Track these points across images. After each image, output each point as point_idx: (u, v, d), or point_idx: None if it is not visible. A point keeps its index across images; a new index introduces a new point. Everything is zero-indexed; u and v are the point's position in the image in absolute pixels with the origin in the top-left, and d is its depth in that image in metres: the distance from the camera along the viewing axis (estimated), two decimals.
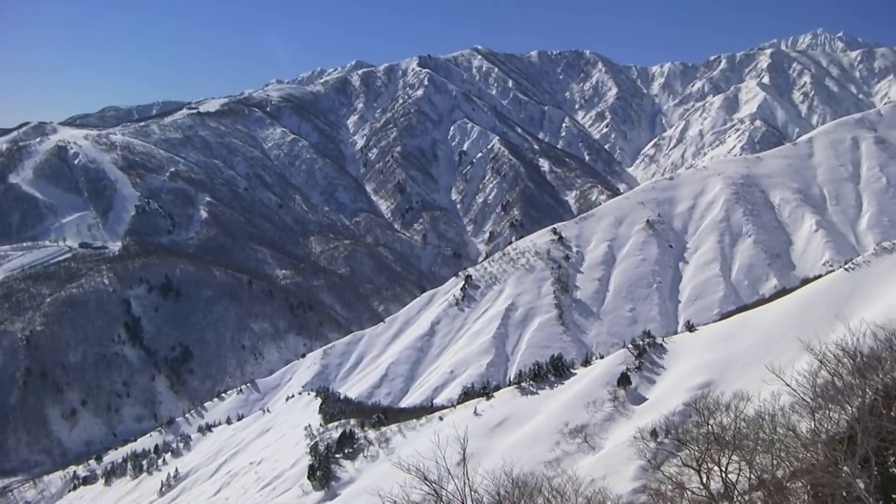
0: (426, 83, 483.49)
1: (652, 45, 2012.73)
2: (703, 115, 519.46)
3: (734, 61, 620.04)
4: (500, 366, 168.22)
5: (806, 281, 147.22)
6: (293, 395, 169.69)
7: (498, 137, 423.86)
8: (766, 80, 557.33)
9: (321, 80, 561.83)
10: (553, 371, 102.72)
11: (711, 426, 32.19)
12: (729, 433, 30.26)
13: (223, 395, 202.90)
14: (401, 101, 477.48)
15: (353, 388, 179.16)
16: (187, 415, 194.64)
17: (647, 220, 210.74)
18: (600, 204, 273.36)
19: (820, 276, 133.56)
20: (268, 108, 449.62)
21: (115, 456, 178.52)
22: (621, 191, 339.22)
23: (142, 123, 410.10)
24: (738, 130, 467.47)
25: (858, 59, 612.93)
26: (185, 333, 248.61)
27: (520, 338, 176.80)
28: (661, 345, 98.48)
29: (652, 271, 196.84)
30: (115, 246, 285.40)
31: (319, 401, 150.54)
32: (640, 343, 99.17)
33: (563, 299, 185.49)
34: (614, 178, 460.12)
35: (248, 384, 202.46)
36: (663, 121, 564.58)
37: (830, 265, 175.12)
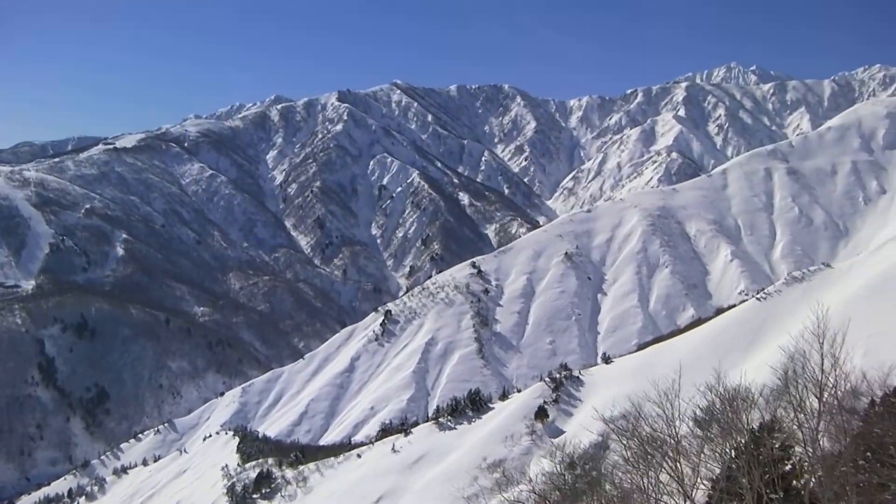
0: (345, 118, 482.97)
1: (570, 80, 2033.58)
2: (621, 147, 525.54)
3: (651, 95, 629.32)
4: (421, 401, 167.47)
5: (720, 310, 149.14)
6: (211, 435, 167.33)
7: (418, 172, 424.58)
8: (682, 112, 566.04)
9: (240, 115, 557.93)
10: (471, 406, 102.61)
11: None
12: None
13: (140, 435, 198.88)
14: (320, 135, 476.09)
15: (272, 425, 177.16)
16: (103, 457, 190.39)
17: (566, 253, 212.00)
18: (520, 237, 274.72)
19: (734, 306, 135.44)
20: (186, 144, 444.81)
21: (27, 501, 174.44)
22: (541, 224, 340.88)
23: (57, 159, 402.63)
24: (655, 163, 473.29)
25: (771, 91, 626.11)
26: (101, 373, 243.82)
27: (440, 372, 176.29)
28: (578, 377, 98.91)
29: (571, 303, 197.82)
30: (29, 284, 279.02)
31: (237, 440, 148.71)
32: (557, 376, 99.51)
33: (483, 333, 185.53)
34: (534, 210, 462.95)
35: (166, 424, 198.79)
36: (582, 154, 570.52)
37: (746, 294, 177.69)
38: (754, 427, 28.89)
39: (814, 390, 27.21)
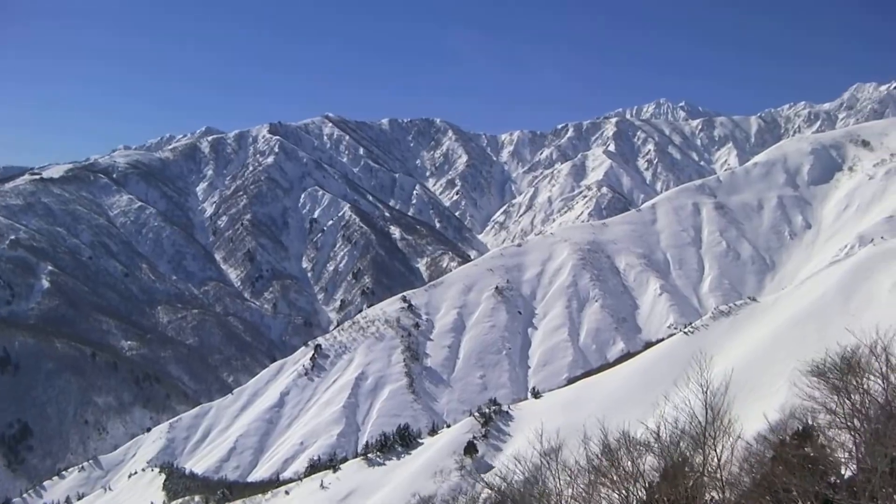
0: (277, 150, 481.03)
1: (502, 114, 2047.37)
2: (552, 182, 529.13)
3: (581, 130, 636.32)
4: (352, 436, 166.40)
5: (649, 344, 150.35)
6: (136, 472, 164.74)
7: (349, 205, 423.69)
8: (612, 147, 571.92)
9: (170, 147, 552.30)
10: (400, 441, 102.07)
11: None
12: None
13: (64, 472, 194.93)
14: (251, 168, 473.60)
15: (200, 462, 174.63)
16: (25, 495, 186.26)
17: (497, 287, 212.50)
18: (451, 271, 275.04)
19: (663, 339, 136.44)
20: (114, 175, 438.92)
21: None
22: (472, 257, 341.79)
23: None
24: (585, 197, 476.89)
25: (699, 127, 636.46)
26: (24, 409, 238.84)
27: (370, 407, 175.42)
28: (508, 412, 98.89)
29: (501, 338, 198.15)
30: None
31: (163, 477, 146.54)
32: (487, 411, 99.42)
33: (414, 367, 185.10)
34: (465, 244, 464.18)
35: (91, 461, 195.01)
36: (513, 188, 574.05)
37: (674, 328, 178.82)
38: (652, 473, 29.08)
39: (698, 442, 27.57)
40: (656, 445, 30.42)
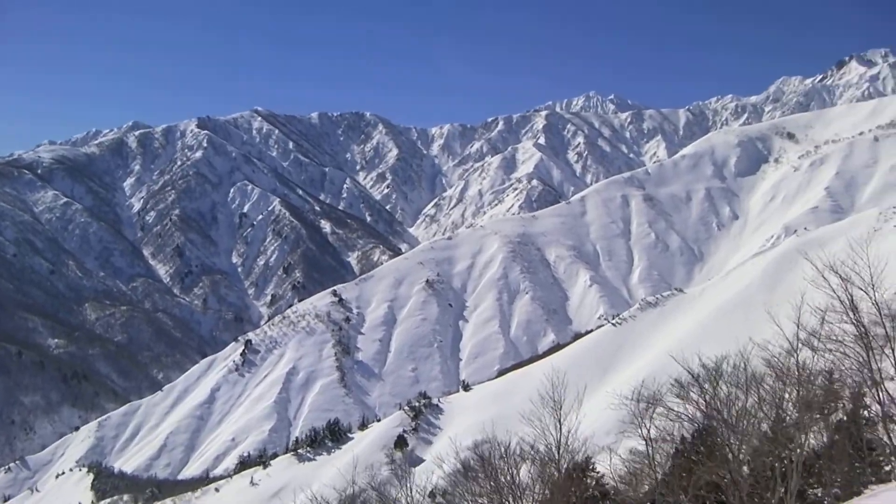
0: (205, 145, 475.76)
1: (432, 107, 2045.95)
2: (482, 175, 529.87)
3: (511, 123, 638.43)
4: (283, 431, 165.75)
5: (579, 336, 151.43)
6: (64, 472, 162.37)
7: (279, 199, 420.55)
8: (542, 140, 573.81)
9: (96, 142, 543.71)
10: (330, 436, 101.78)
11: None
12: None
13: None
14: (179, 162, 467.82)
15: (130, 460, 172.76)
16: None
17: (427, 280, 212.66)
18: (382, 265, 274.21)
19: (593, 331, 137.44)
20: (39, 171, 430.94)
21: None
22: (403, 251, 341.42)
23: None
24: (516, 190, 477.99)
25: (629, 120, 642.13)
26: None
27: (302, 402, 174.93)
28: (438, 405, 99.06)
29: (433, 331, 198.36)
30: None
31: (91, 477, 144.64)
32: (416, 404, 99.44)
33: (345, 361, 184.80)
34: (396, 238, 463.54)
35: (18, 461, 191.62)
36: (444, 181, 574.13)
37: (605, 319, 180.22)
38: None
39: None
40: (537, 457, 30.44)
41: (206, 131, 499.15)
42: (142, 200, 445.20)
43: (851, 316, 24.10)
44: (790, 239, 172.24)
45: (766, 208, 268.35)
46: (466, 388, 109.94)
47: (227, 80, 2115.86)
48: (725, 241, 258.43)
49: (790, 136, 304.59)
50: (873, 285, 23.31)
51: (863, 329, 24.10)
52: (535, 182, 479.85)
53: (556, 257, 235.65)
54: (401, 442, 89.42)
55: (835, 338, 25.36)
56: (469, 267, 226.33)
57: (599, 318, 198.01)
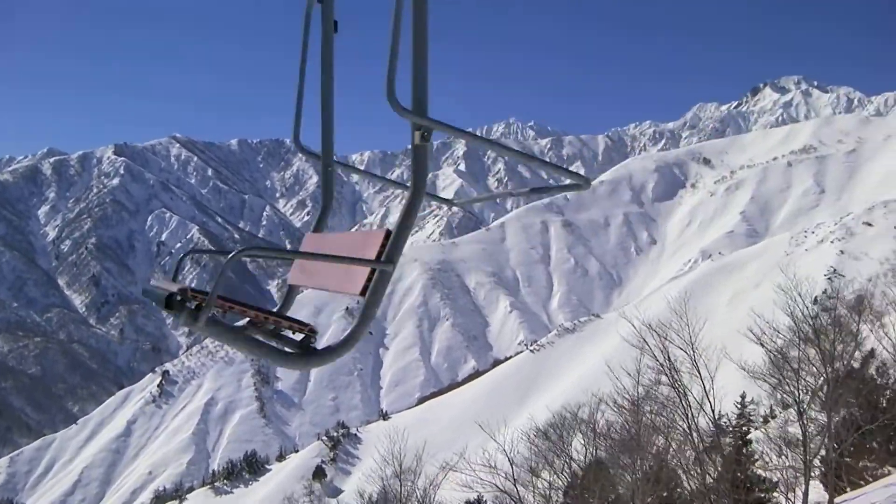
0: (122, 172, 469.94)
1: (352, 134, 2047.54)
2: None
3: (432, 149, 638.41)
4: (202, 463, 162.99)
5: (498, 362, 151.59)
6: None
7: (197, 227, 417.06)
8: (462, 167, 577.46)
9: (9, 169, 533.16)
10: (247, 468, 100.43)
11: None
12: None
13: None
14: (95, 190, 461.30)
15: (44, 497, 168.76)
16: None
17: (347, 308, 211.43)
18: (303, 292, 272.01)
19: (512, 357, 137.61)
20: None
21: None
22: None
23: None
24: (436, 216, 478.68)
25: (548, 146, 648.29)
26: None
27: (221, 433, 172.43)
28: (356, 434, 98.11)
29: (353, 359, 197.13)
30: None
31: None
32: (335, 434, 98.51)
33: (264, 391, 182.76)
34: None
35: None
36: (364, 208, 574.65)
37: (525, 345, 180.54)
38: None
39: None
40: None
41: (123, 158, 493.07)
42: (57, 229, 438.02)
43: (669, 375, 24.45)
44: (705, 263, 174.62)
45: (684, 233, 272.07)
46: (385, 416, 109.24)
47: (144, 107, 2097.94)
48: (644, 266, 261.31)
49: (706, 162, 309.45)
50: (692, 344, 23.52)
51: (681, 387, 24.44)
52: (455, 208, 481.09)
53: (476, 284, 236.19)
54: (319, 472, 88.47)
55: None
56: (389, 294, 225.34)
57: (519, 343, 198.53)
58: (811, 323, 25.50)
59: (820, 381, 27.07)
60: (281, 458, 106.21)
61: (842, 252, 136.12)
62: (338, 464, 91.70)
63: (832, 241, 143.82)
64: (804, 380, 25.37)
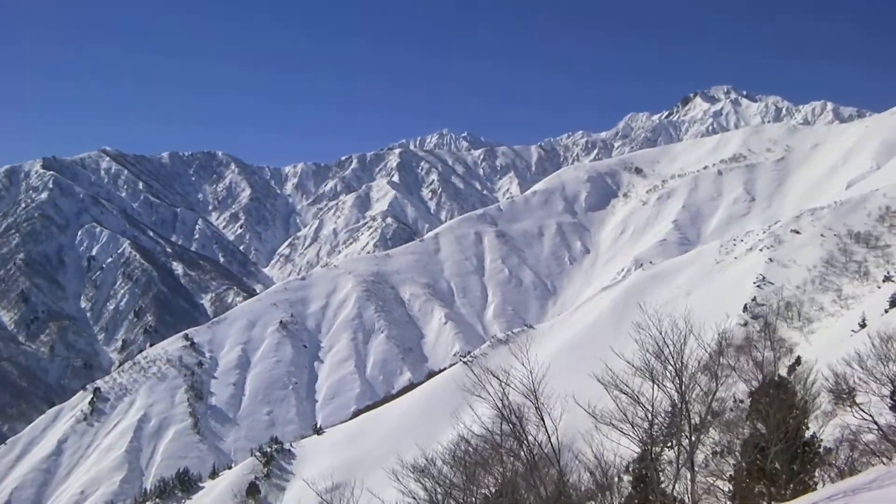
0: (51, 186, 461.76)
1: (285, 146, 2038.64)
2: (337, 213, 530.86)
3: (365, 161, 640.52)
4: (135, 481, 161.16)
5: (432, 374, 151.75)
6: None
7: (129, 241, 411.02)
8: (396, 178, 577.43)
9: None
10: (180, 486, 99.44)
11: None
12: None
13: None
14: (23, 205, 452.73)
15: None
16: None
17: (281, 322, 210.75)
18: (236, 306, 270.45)
19: (445, 370, 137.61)
20: None
21: None
22: (258, 292, 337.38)
23: None
24: (370, 228, 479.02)
25: (482, 157, 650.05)
26: None
27: (154, 450, 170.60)
28: (290, 450, 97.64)
29: (288, 372, 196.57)
30: None
31: None
32: (268, 450, 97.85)
33: (198, 407, 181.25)
34: (250, 279, 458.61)
35: None
36: (298, 220, 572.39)
37: (460, 356, 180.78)
38: None
39: None
40: None
41: (51, 172, 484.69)
42: None
43: (510, 423, 23.90)
44: (637, 272, 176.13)
45: (617, 242, 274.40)
46: (319, 431, 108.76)
47: (73, 120, 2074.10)
48: (577, 275, 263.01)
49: (638, 171, 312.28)
50: (534, 390, 23.01)
51: (521, 432, 23.89)
52: (389, 220, 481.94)
53: (410, 295, 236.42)
54: (253, 489, 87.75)
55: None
56: (323, 307, 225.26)
57: (455, 355, 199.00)
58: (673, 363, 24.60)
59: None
60: (214, 475, 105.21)
61: (770, 260, 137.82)
62: (272, 480, 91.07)
63: (761, 249, 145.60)
64: (659, 417, 24.77)
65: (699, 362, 24.32)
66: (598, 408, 23.63)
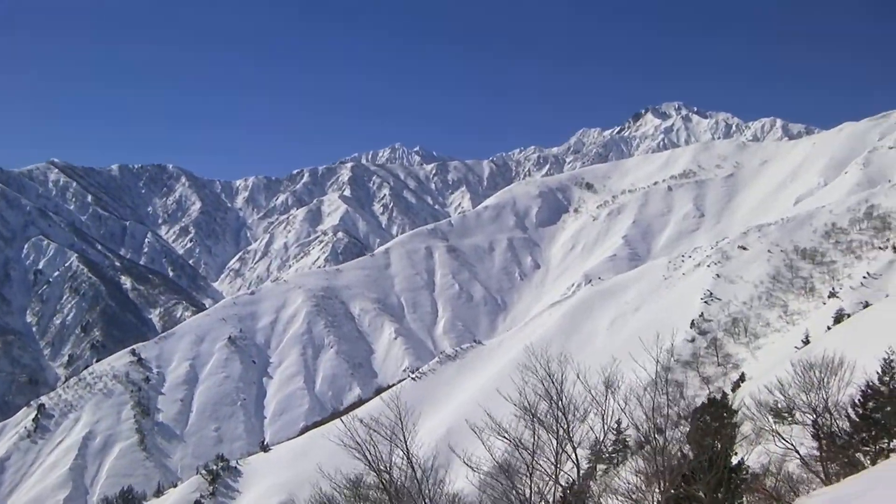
0: None
1: (236, 160, 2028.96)
2: (288, 227, 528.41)
3: (317, 175, 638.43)
4: (79, 499, 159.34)
5: (381, 390, 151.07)
6: None
7: (77, 255, 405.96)
8: (347, 192, 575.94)
9: None
10: None
11: None
12: None
13: None
14: None
15: None
16: None
17: (230, 337, 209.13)
18: (185, 321, 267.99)
19: (393, 385, 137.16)
20: None
21: None
22: (207, 306, 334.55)
23: None
24: (321, 242, 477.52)
25: (434, 171, 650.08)
26: None
27: (99, 467, 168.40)
28: (236, 467, 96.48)
29: (236, 388, 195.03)
30: None
31: None
32: (214, 467, 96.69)
33: (145, 423, 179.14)
34: (200, 293, 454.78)
35: None
36: (248, 234, 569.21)
37: (410, 371, 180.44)
38: None
39: None
40: None
41: None
42: None
43: (377, 473, 22.89)
44: (585, 288, 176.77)
45: (567, 257, 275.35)
46: (266, 448, 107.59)
47: (20, 130, 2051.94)
48: (528, 290, 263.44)
49: (589, 187, 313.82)
50: (407, 446, 22.03)
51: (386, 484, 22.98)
52: (340, 234, 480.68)
53: (360, 310, 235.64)
54: None
55: None
56: (273, 322, 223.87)
57: (404, 370, 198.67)
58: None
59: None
60: (159, 493, 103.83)
61: (718, 276, 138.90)
62: (217, 498, 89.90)
63: (708, 265, 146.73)
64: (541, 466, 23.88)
65: (595, 400, 23.61)
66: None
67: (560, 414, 22.13)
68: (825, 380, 27.24)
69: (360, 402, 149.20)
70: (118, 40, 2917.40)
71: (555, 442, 21.96)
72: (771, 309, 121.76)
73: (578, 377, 22.74)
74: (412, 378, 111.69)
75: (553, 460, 21.94)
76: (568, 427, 22.10)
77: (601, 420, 22.44)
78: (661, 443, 22.99)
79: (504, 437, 22.50)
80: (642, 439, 25.11)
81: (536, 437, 21.99)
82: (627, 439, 51.69)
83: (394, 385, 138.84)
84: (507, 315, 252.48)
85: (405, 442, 22.04)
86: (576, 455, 22.06)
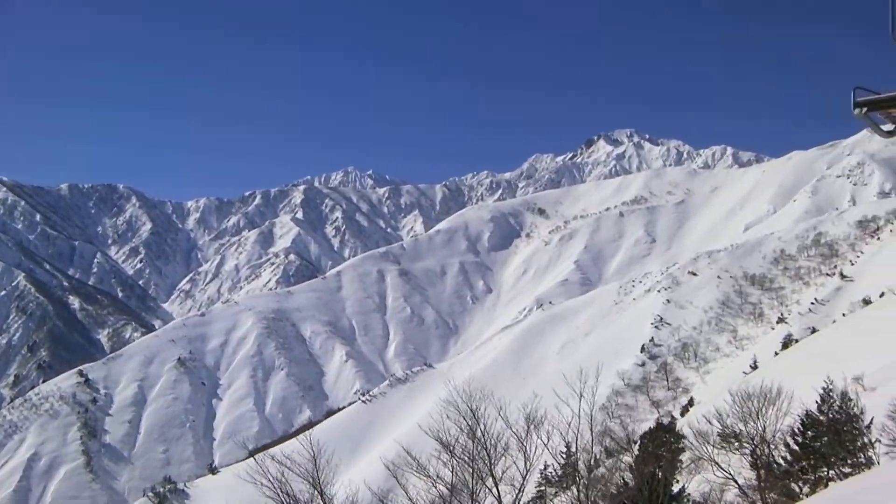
0: None
1: (187, 181, 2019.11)
2: (239, 249, 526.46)
3: (269, 197, 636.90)
4: None
5: (331, 412, 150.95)
6: None
7: (24, 274, 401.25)
8: (299, 215, 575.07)
9: None
10: None
11: None
12: None
13: None
14: None
15: None
16: None
17: (179, 358, 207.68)
18: (133, 342, 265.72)
19: (344, 408, 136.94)
20: None
21: None
22: (156, 327, 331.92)
23: None
24: (273, 264, 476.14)
25: (386, 195, 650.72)
26: None
27: (45, 490, 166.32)
28: (184, 490, 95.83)
29: (185, 410, 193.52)
30: None
31: None
32: (161, 490, 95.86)
33: (92, 445, 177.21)
34: (149, 314, 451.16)
35: None
36: (199, 255, 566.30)
37: (361, 394, 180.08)
38: None
39: None
40: None
41: None
42: None
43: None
44: (536, 312, 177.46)
45: (519, 281, 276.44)
46: (214, 471, 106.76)
47: None
48: (480, 314, 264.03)
49: (541, 212, 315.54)
50: (321, 488, 21.59)
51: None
52: (292, 257, 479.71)
53: (311, 333, 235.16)
54: None
55: None
56: (223, 344, 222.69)
57: (355, 393, 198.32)
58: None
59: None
60: None
61: (668, 301, 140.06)
62: None
63: (659, 291, 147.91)
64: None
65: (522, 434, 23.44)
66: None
67: (480, 448, 21.89)
68: (763, 410, 27.51)
69: (310, 424, 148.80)
70: (66, 61, 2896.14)
71: (470, 479, 21.69)
72: (720, 334, 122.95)
73: (500, 414, 22.45)
74: (362, 401, 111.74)
75: (469, 496, 21.66)
76: (490, 462, 21.83)
77: (522, 455, 22.15)
78: (599, 472, 22.86)
79: (422, 474, 22.23)
80: (583, 468, 24.98)
81: (454, 474, 21.74)
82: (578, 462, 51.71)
83: (344, 408, 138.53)
84: (459, 339, 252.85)
85: (318, 482, 21.46)
86: (497, 490, 21.80)
